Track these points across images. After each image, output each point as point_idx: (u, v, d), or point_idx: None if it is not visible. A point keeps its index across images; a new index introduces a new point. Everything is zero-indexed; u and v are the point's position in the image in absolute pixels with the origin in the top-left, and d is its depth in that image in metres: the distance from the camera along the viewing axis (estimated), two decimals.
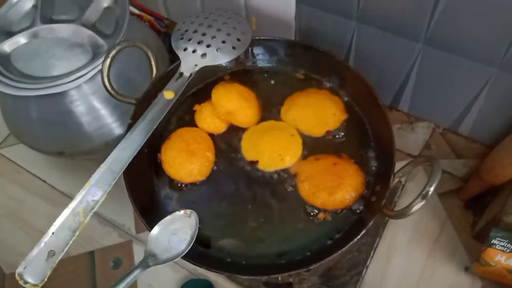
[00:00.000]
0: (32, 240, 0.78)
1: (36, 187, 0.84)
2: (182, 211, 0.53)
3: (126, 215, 0.79)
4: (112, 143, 0.71)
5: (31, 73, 0.67)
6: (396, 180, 0.52)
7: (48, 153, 0.74)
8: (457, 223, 0.71)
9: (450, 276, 0.67)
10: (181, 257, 0.51)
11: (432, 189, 0.44)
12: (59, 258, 0.47)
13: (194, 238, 0.52)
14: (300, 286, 0.65)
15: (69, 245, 0.47)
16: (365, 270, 0.68)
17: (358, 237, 0.48)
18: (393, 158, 0.53)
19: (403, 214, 0.46)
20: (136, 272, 0.49)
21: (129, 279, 0.48)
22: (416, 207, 0.45)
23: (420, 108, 0.73)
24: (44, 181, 0.85)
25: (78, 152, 0.73)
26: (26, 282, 0.45)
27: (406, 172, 0.52)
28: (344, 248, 0.48)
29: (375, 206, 0.53)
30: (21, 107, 0.70)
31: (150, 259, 0.50)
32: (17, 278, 0.45)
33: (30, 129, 0.71)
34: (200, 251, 0.55)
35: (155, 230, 0.52)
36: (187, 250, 0.51)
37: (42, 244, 0.47)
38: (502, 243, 0.59)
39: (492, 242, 0.59)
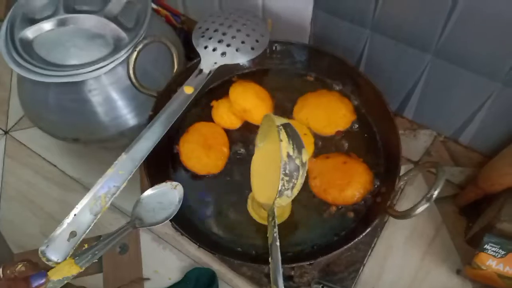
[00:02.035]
0: (41, 223, 0.80)
1: (46, 171, 0.86)
2: (168, 183, 0.55)
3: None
4: (127, 133, 0.73)
5: (52, 60, 0.68)
6: (401, 183, 0.55)
7: (63, 139, 0.76)
8: (452, 228, 0.74)
9: (442, 278, 0.70)
10: (199, 246, 0.53)
11: (436, 192, 0.47)
12: (81, 239, 0.49)
13: (178, 208, 0.54)
14: (301, 279, 0.67)
15: (90, 227, 0.49)
16: (362, 268, 0.71)
17: (364, 234, 0.51)
18: (399, 162, 0.56)
19: (407, 215, 0.49)
20: (124, 230, 0.51)
21: (117, 237, 0.51)
22: (420, 208, 0.48)
23: (424, 116, 0.76)
24: (55, 166, 0.86)
25: (93, 140, 0.75)
26: (48, 260, 0.46)
27: (412, 176, 0.55)
28: (350, 244, 0.51)
29: (380, 206, 0.56)
30: (40, 93, 0.72)
31: (136, 222, 0.52)
32: (40, 255, 0.46)
33: (48, 115, 0.73)
34: (215, 240, 0.58)
35: (142, 197, 0.54)
36: (170, 218, 0.53)
37: (65, 225, 0.49)
38: (494, 249, 0.61)
39: (484, 247, 0.62)
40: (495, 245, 0.61)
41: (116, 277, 0.74)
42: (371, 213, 0.57)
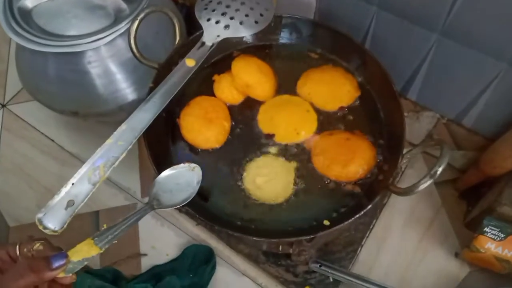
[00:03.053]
0: (38, 196, 0.80)
1: (44, 146, 0.85)
2: (186, 164, 0.54)
3: (133, 179, 0.80)
4: (125, 107, 0.72)
5: (51, 30, 0.67)
6: (404, 161, 0.54)
7: (62, 112, 0.75)
8: (451, 211, 0.74)
9: (440, 260, 0.71)
10: (199, 218, 0.52)
11: (441, 169, 0.46)
12: (78, 208, 0.48)
13: (196, 191, 0.53)
14: (299, 257, 0.67)
15: (88, 196, 0.48)
16: (360, 248, 0.71)
17: (365, 210, 0.51)
18: (402, 141, 0.56)
19: (410, 191, 0.49)
20: (143, 211, 0.49)
21: (136, 217, 0.49)
22: (423, 185, 0.47)
23: (428, 98, 0.75)
24: (52, 140, 0.86)
25: (92, 113, 0.74)
26: (45, 228, 0.46)
27: (414, 154, 0.54)
28: (350, 220, 0.51)
29: (382, 184, 0.56)
30: (38, 63, 0.70)
31: (154, 202, 0.51)
32: (37, 223, 0.46)
33: (46, 86, 0.72)
34: (214, 214, 0.57)
35: (161, 177, 0.53)
36: (188, 201, 0.52)
37: (63, 193, 0.48)
38: (493, 231, 0.62)
39: (484, 230, 0.62)
40: (495, 228, 0.61)
41: (113, 252, 0.74)
42: (373, 190, 0.57)
